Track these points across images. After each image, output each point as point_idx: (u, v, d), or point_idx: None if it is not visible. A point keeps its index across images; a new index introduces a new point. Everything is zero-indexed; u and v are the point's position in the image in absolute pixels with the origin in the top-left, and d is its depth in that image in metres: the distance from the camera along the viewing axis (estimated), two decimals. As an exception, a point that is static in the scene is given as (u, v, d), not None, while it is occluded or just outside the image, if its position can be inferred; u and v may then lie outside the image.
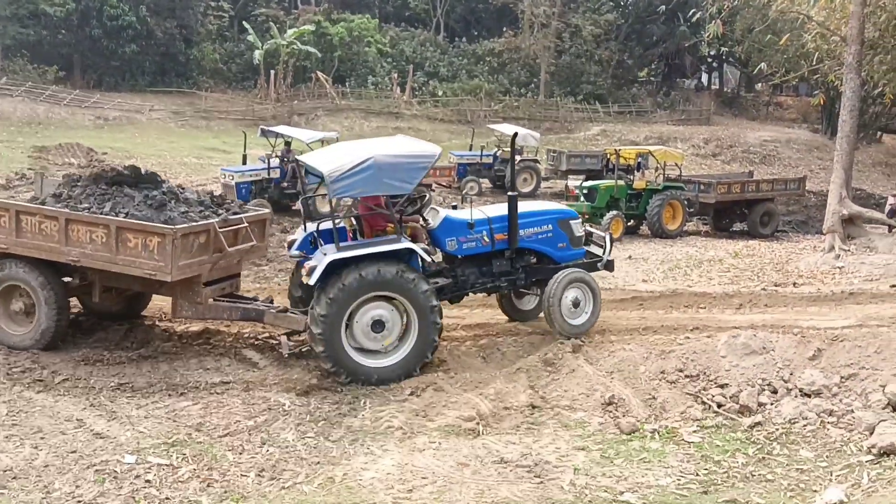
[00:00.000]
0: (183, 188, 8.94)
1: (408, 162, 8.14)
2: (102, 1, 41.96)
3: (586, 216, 17.66)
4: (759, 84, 54.08)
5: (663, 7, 42.20)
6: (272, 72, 44.81)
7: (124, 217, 7.77)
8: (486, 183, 25.53)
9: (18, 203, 8.23)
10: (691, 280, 12.78)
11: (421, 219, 8.92)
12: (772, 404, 6.36)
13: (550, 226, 9.18)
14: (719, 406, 6.47)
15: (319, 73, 45.94)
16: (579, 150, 31.82)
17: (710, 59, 55.59)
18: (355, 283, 7.54)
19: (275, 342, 8.77)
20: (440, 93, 48.08)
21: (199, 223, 7.95)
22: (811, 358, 6.91)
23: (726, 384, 6.75)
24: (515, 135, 10.28)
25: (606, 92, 50.23)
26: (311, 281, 7.61)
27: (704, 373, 6.95)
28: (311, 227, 8.44)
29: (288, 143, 20.15)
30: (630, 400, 6.70)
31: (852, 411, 6.05)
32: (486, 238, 8.79)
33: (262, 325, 8.72)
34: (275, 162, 19.24)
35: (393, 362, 7.75)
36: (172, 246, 7.44)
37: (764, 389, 6.59)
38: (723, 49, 45.58)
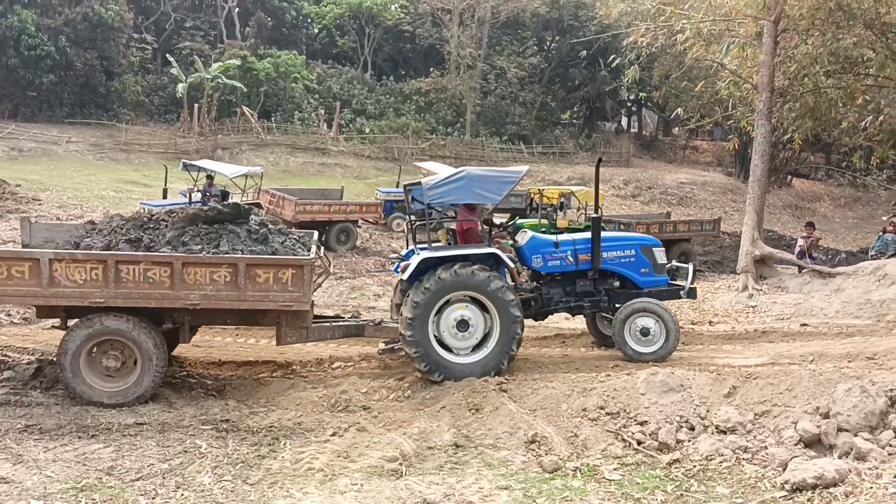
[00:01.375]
0: (266, 221, 8.97)
1: (497, 176, 8.94)
2: (20, 30, 40.71)
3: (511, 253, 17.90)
4: (676, 128, 56.01)
5: (585, 52, 43.48)
6: (196, 105, 44.18)
7: (249, 254, 7.91)
8: (412, 220, 25.62)
9: (117, 253, 7.80)
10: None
11: (509, 237, 9.78)
12: (689, 441, 6.47)
13: (633, 251, 9.66)
14: (639, 443, 6.55)
15: (245, 108, 45.58)
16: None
17: (629, 104, 57.42)
18: (449, 278, 8.23)
19: (192, 381, 8.56)
20: (367, 130, 48.26)
21: (314, 253, 8.37)
22: (726, 395, 7.06)
23: (646, 421, 6.84)
24: (600, 160, 10.62)
25: (530, 133, 51.34)
26: (405, 276, 8.45)
27: (625, 410, 7.04)
28: (416, 248, 8.89)
29: (210, 178, 19.84)
30: (553, 438, 6.73)
31: (766, 448, 6.19)
32: (570, 258, 9.42)
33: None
34: (196, 196, 18.89)
35: (473, 361, 8.36)
36: (309, 276, 7.77)
37: (682, 426, 6.70)
38: (641, 94, 47.17)
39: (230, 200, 20.58)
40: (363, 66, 54.71)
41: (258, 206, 20.48)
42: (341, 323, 9.15)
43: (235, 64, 45.65)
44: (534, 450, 6.54)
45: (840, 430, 6.09)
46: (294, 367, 9.49)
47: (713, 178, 45.20)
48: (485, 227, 9.50)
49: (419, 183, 8.95)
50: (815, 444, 6.12)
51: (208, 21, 54.34)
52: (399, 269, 8.70)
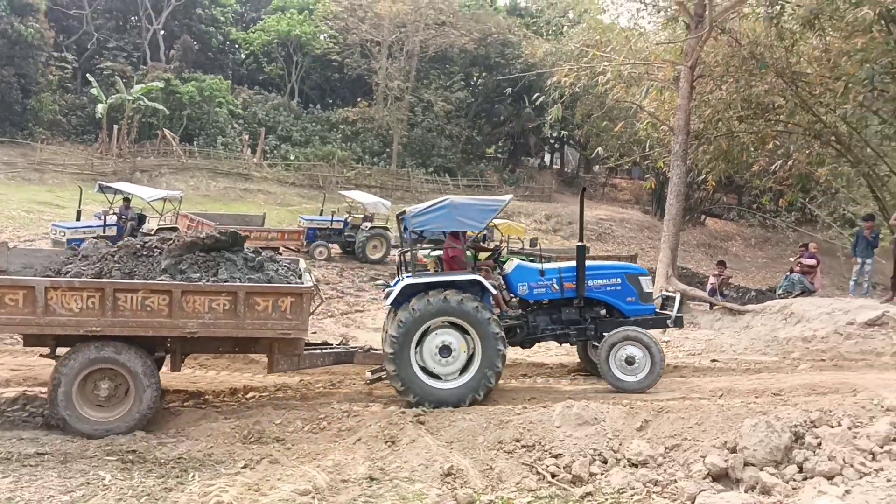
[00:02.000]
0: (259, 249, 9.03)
1: (480, 204, 9.18)
2: (-68, 44, 39.07)
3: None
4: (597, 166, 57.35)
5: (510, 89, 44.29)
6: (116, 127, 43.05)
7: (247, 282, 7.92)
8: (335, 248, 25.45)
9: (115, 281, 7.64)
10: (529, 350, 13.12)
11: (496, 265, 9.92)
12: (602, 474, 6.53)
13: (619, 279, 9.71)
14: (553, 476, 6.58)
15: (166, 131, 44.66)
16: (429, 220, 32.30)
17: (552, 141, 58.58)
18: (423, 307, 8.38)
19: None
20: (292, 157, 47.86)
21: (311, 280, 8.37)
22: (639, 429, 7.18)
23: (560, 454, 6.88)
24: (584, 189, 10.71)
25: (456, 166, 51.82)
26: (387, 301, 8.73)
27: (540, 443, 7.07)
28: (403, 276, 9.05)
29: (127, 200, 19.31)
30: (468, 470, 6.70)
31: (675, 481, 6.30)
32: (555, 286, 9.51)
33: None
34: (112, 219, 18.35)
35: (458, 385, 8.50)
36: (308, 304, 7.86)
37: (595, 459, 6.76)
38: (564, 132, 48.16)
39: (147, 224, 20.07)
40: (290, 93, 54.40)
41: (176, 230, 20.03)
42: (331, 350, 9.23)
43: (158, 86, 44.74)
44: (449, 483, 6.49)
45: (746, 464, 6.25)
46: (206, 396, 9.22)
47: (631, 215, 46.39)
48: (470, 254, 9.74)
49: (405, 211, 9.17)
50: (722, 477, 6.26)
51: (132, 42, 53.22)
52: (384, 293, 9.05)
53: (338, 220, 26.15)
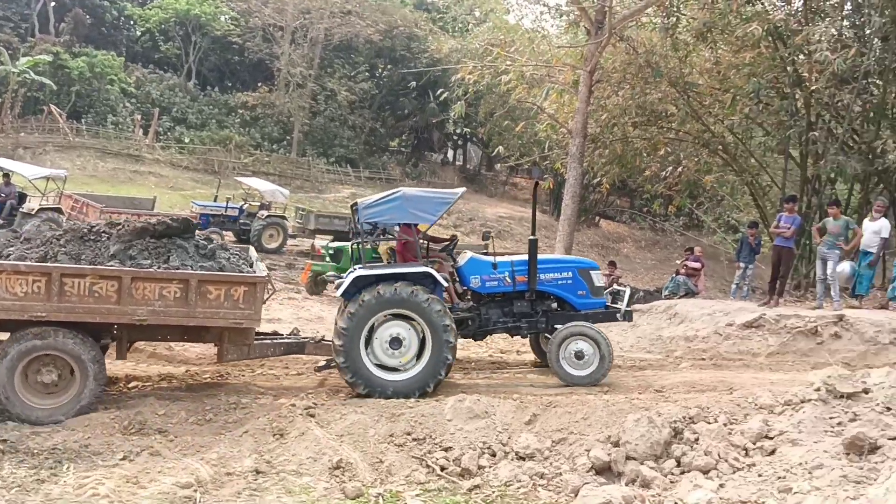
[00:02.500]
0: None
1: (433, 197, 9.20)
2: None
3: (332, 276, 17.74)
4: (499, 164, 58.13)
5: (415, 83, 44.31)
6: (-2, 99, 40.69)
7: (199, 269, 7.76)
8: (229, 236, 24.81)
9: (63, 266, 7.41)
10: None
11: (449, 257, 9.87)
12: (490, 467, 6.62)
13: (571, 273, 9.77)
14: (442, 469, 6.62)
15: (53, 107, 42.45)
16: (328, 210, 32.07)
17: (455, 137, 58.97)
18: (374, 299, 8.36)
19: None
20: (187, 140, 46.37)
21: (265, 271, 8.23)
22: (528, 423, 7.31)
23: (450, 447, 6.93)
24: (537, 184, 10.78)
25: (358, 157, 51.44)
26: (338, 293, 8.73)
27: (431, 436, 7.10)
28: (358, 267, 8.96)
29: (7, 176, 18.31)
30: (358, 464, 6.66)
31: (561, 474, 6.44)
32: (508, 279, 9.54)
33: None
34: (-12, 196, 17.32)
35: (408, 377, 8.47)
36: (261, 293, 7.77)
37: (484, 452, 6.84)
38: (467, 129, 48.52)
39: (28, 204, 19.04)
40: (187, 73, 52.69)
41: (59, 211, 19.08)
42: (282, 340, 9.18)
43: (46, 60, 42.40)
44: (337, 476, 6.44)
45: (628, 458, 6.45)
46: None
47: (530, 214, 47.21)
48: (422, 245, 9.61)
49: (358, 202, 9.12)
50: (605, 471, 6.44)
51: (20, 13, 50.29)
52: (334, 284, 9.02)
53: (233, 207, 25.55)
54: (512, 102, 24.90)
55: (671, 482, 6.18)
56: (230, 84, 55.45)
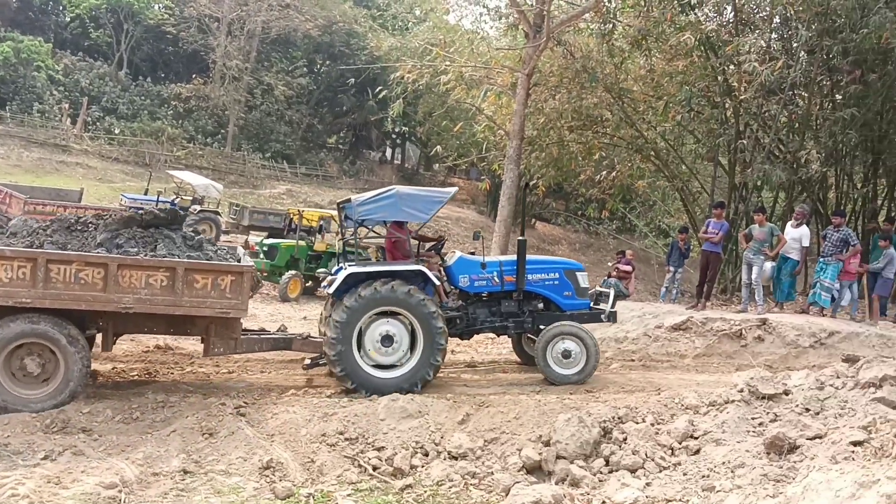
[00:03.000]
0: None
1: (426, 195, 9.25)
2: None
3: (265, 273, 17.49)
4: (437, 164, 58.22)
5: (353, 80, 44.02)
6: (-86, 83, 38.88)
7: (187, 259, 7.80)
8: (160, 231, 24.22)
9: (49, 251, 7.46)
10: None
11: (438, 256, 9.97)
12: (423, 467, 6.63)
13: (557, 274, 9.93)
14: (375, 469, 6.61)
15: (-26, 92, 40.81)
16: (263, 206, 31.63)
17: (394, 136, 58.81)
18: (369, 295, 8.45)
19: None
20: (117, 131, 45.08)
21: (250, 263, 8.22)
22: (460, 422, 7.35)
23: (383, 447, 6.92)
24: (527, 185, 10.73)
25: (295, 153, 50.77)
26: (330, 290, 8.71)
27: (363, 436, 7.08)
28: (345, 264, 9.01)
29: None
30: (289, 463, 6.60)
31: (492, 473, 6.49)
32: (496, 279, 9.68)
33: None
34: None
35: (396, 376, 8.56)
36: (248, 284, 7.83)
37: (417, 452, 6.86)
38: (405, 128, 48.52)
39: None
40: (118, 63, 51.17)
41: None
42: (269, 336, 9.24)
43: (-32, 43, 40.84)
44: (268, 476, 6.37)
45: (559, 457, 6.54)
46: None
47: (467, 214, 47.38)
48: (413, 244, 9.69)
49: (349, 199, 9.14)
50: (536, 470, 6.53)
51: (-60, -7, 48.22)
52: (326, 282, 8.91)
53: (164, 202, 24.94)
54: (451, 103, 25.00)
55: (600, 481, 6.29)
56: (163, 75, 54.12)
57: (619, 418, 7.07)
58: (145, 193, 25.78)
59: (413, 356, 8.71)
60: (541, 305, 10.01)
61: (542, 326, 9.70)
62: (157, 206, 24.37)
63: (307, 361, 9.69)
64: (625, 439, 6.74)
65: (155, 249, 7.95)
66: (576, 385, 9.24)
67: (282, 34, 49.51)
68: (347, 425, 7.23)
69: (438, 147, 30.12)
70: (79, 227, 8.11)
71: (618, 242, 36.61)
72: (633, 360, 11.60)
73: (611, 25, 18.00)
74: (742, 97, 16.67)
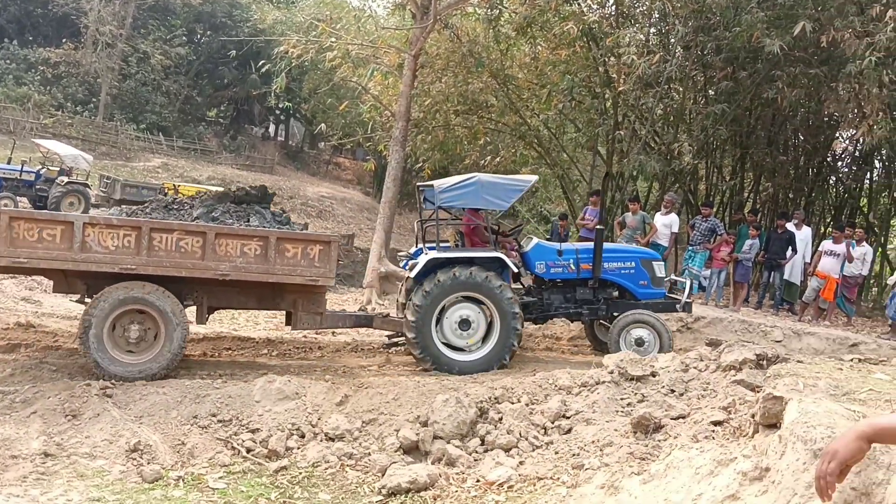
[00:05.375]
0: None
1: (507, 183, 9.40)
2: None
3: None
4: (322, 143, 57.40)
5: (235, 52, 42.63)
6: None
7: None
8: (24, 202, 22.84)
9: (151, 220, 8.02)
10: (238, 324, 12.82)
11: (515, 242, 10.12)
12: (299, 448, 6.55)
13: (633, 263, 9.98)
14: (248, 451, 6.47)
15: None
16: (136, 180, 30.31)
17: (278, 112, 57.53)
18: (449, 281, 8.76)
19: None
20: (-22, 95, 42.08)
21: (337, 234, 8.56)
22: (339, 403, 7.29)
23: (258, 429, 6.79)
24: (607, 173, 10.67)
25: (172, 125, 48.76)
26: (413, 274, 8.97)
27: (237, 417, 6.92)
28: (423, 246, 9.48)
29: None
30: (157, 446, 6.37)
31: (369, 454, 6.48)
32: (572, 266, 9.77)
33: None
34: None
35: (474, 359, 8.89)
36: (335, 253, 8.22)
37: (293, 434, 6.76)
38: (289, 104, 47.47)
39: None
40: (-20, 22, 47.71)
41: None
42: (351, 313, 10.15)
43: None
44: (135, 459, 6.13)
45: (436, 437, 6.60)
46: None
47: (352, 195, 47.00)
48: (491, 230, 9.70)
49: (431, 184, 9.43)
50: (413, 450, 6.55)
51: None
52: (408, 267, 9.23)
53: (29, 171, 23.52)
54: (337, 80, 24.61)
55: (475, 460, 6.38)
56: (31, 38, 50.67)
57: (495, 398, 7.19)
58: (8, 162, 24.19)
59: (490, 340, 9.01)
60: (616, 293, 10.08)
61: (615, 314, 9.78)
62: (20, 175, 23.00)
63: (387, 340, 10.15)
64: (500, 419, 6.86)
65: (248, 222, 8.64)
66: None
67: (160, 1, 47.37)
68: (221, 407, 7.04)
69: (323, 125, 29.62)
70: (175, 207, 8.97)
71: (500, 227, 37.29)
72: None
73: (497, 11, 18.17)
74: (621, 89, 17.22)
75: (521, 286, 10.10)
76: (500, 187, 9.32)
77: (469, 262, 8.99)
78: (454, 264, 8.92)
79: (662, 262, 10.64)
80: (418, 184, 10.34)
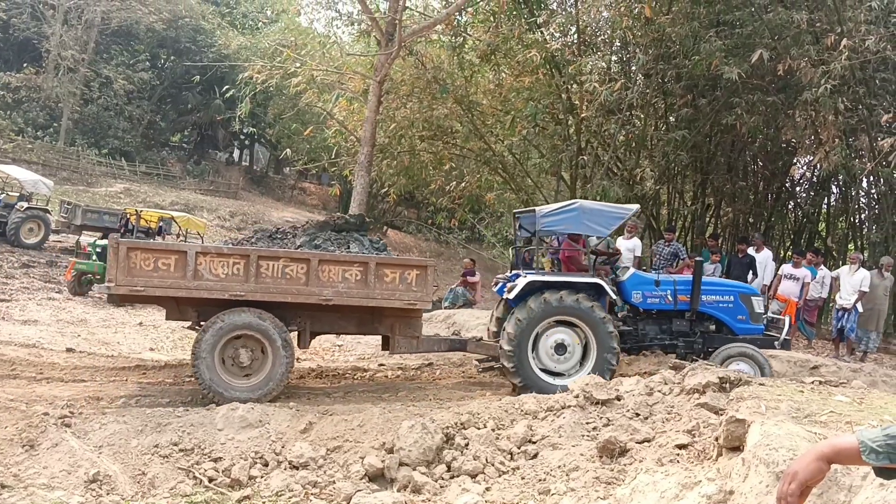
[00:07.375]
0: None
1: (608, 210, 9.40)
2: None
3: (97, 277, 16.54)
4: (287, 168, 57.18)
5: (199, 77, 42.46)
6: None
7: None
8: (-21, 229, 22.41)
9: (259, 248, 8.55)
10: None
11: (610, 271, 9.96)
12: (262, 477, 6.45)
13: (732, 297, 9.76)
14: (210, 480, 6.36)
15: None
16: (98, 205, 29.92)
17: (242, 136, 57.29)
18: (541, 306, 8.73)
19: None
20: (-65, 119, 41.29)
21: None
22: (303, 431, 7.21)
23: (220, 458, 6.68)
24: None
25: (135, 150, 48.29)
26: (511, 296, 8.92)
27: (200, 446, 6.81)
28: (523, 272, 9.30)
29: None
30: (117, 476, 6.24)
31: (334, 482, 6.40)
32: (669, 297, 9.63)
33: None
34: None
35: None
36: (431, 277, 8.50)
37: (256, 462, 6.67)
38: (254, 129, 47.34)
39: None
40: (-63, 45, 46.93)
41: None
42: (446, 337, 10.58)
43: None
44: (94, 489, 6.00)
45: (402, 464, 6.55)
46: None
47: (317, 219, 46.77)
48: (590, 257, 9.70)
49: (531, 210, 9.58)
50: (379, 478, 6.50)
51: None
52: (504, 291, 9.16)
53: (-13, 196, 23.11)
54: (302, 106, 24.62)
55: (441, 487, 6.34)
56: (-10, 62, 50.09)
57: (461, 424, 7.16)
58: (-36, 188, 23.77)
59: (587, 363, 8.94)
60: (713, 327, 9.93)
61: (710, 349, 9.61)
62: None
63: (476, 363, 10.13)
64: (466, 445, 6.84)
65: (349, 249, 9.14)
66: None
67: (123, 26, 47.03)
68: (183, 436, 6.93)
69: (288, 150, 29.55)
70: (279, 236, 9.65)
71: (467, 252, 37.35)
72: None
73: (461, 39, 18.36)
74: (583, 115, 17.44)
75: (614, 315, 9.90)
76: (601, 214, 9.32)
77: (568, 286, 8.96)
78: (552, 288, 8.90)
79: (761, 298, 10.40)
80: (514, 211, 10.43)
